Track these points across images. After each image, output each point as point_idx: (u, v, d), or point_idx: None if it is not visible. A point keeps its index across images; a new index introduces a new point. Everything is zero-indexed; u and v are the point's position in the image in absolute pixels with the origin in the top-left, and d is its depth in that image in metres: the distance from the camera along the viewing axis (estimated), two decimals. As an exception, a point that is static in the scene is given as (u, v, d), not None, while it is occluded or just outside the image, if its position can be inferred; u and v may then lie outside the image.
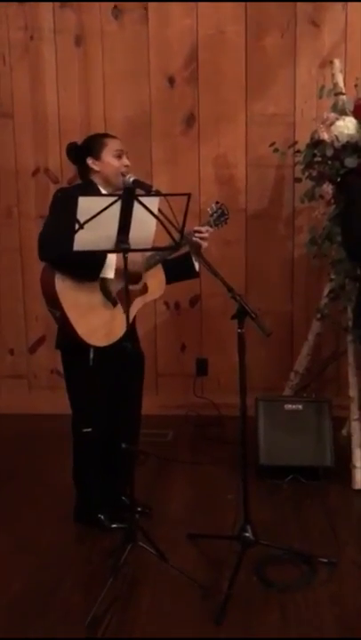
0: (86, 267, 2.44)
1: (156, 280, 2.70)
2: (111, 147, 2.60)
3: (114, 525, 2.66)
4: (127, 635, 2.08)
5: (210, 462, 3.34)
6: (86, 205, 2.11)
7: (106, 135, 2.71)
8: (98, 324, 2.51)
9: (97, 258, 2.43)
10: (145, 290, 2.66)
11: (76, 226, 2.11)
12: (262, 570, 2.37)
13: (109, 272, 2.47)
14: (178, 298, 4.00)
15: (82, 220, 2.10)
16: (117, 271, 2.47)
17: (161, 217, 2.24)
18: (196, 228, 2.65)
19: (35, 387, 4.19)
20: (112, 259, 2.45)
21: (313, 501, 2.90)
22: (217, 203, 2.79)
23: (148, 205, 2.19)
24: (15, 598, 2.28)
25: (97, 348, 2.51)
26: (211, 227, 2.72)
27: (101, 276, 2.46)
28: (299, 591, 2.26)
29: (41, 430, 3.80)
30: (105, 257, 2.44)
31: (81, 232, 2.12)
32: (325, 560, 2.41)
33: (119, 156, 2.60)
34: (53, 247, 2.39)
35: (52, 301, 2.46)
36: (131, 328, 2.53)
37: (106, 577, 2.25)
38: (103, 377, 2.59)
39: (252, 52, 3.75)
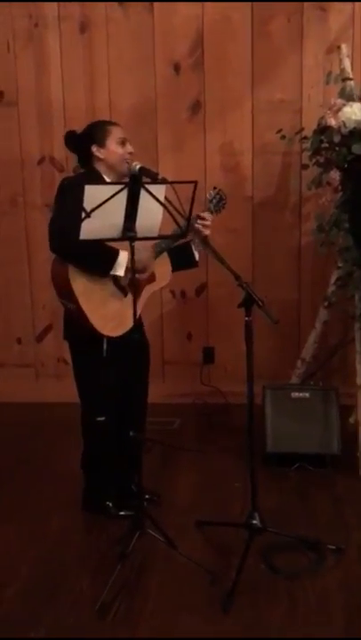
0: (98, 262, 2.44)
1: (162, 268, 2.69)
2: (115, 134, 2.59)
3: (121, 513, 2.68)
4: (136, 621, 2.09)
5: (217, 450, 3.35)
6: (93, 193, 2.10)
7: (108, 122, 2.70)
8: (111, 314, 2.51)
9: (109, 255, 2.43)
10: (152, 278, 2.66)
11: (83, 214, 2.09)
12: (270, 557, 2.38)
13: (120, 270, 2.46)
14: (184, 286, 3.99)
15: (88, 209, 2.09)
16: (127, 267, 2.47)
17: (167, 205, 2.23)
18: (201, 215, 2.63)
19: (42, 375, 4.20)
20: (124, 257, 2.45)
21: (320, 489, 2.91)
22: (214, 188, 2.77)
23: (154, 193, 2.18)
24: (25, 585, 2.30)
25: (109, 339, 2.51)
26: (211, 213, 2.70)
27: (112, 273, 2.46)
28: (307, 578, 2.27)
29: (48, 419, 3.82)
30: (117, 254, 2.44)
31: (87, 221, 2.11)
32: (333, 547, 2.42)
33: (123, 143, 2.59)
34: (65, 238, 2.37)
35: (66, 294, 2.45)
36: (138, 318, 2.54)
37: (114, 564, 2.26)
38: (114, 367, 2.59)
39: (258, 37, 3.72)
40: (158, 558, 2.40)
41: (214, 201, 2.72)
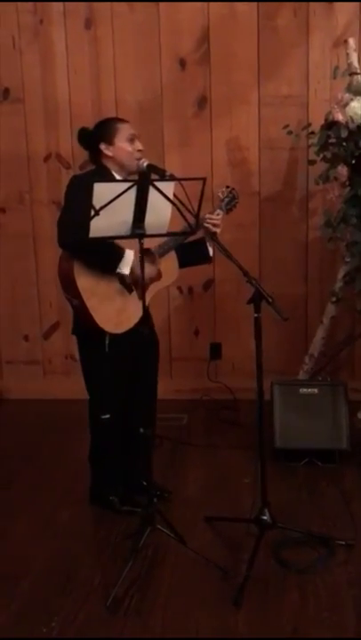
0: (104, 260, 2.45)
1: (168, 266, 2.70)
2: (124, 131, 2.59)
3: (125, 508, 2.71)
4: (147, 615, 2.10)
5: (225, 446, 3.36)
6: (102, 191, 2.10)
7: (118, 120, 2.70)
8: (114, 311, 2.52)
9: (116, 253, 2.44)
10: (159, 276, 2.66)
11: (92, 212, 2.10)
12: (280, 552, 2.39)
13: (125, 268, 2.47)
14: (191, 282, 4.00)
15: (97, 207, 2.10)
16: (132, 267, 2.48)
17: (176, 202, 2.23)
18: (209, 216, 2.64)
19: (49, 372, 4.21)
20: (129, 255, 2.46)
21: (329, 484, 2.92)
22: (227, 187, 2.78)
23: (163, 190, 2.17)
24: (38, 579, 2.32)
25: (112, 335, 2.53)
26: (222, 211, 2.71)
27: (117, 271, 2.47)
28: (317, 573, 2.28)
29: (56, 415, 3.83)
30: (123, 253, 2.45)
31: (96, 218, 2.12)
32: (343, 542, 2.43)
33: (132, 141, 2.59)
34: (73, 233, 2.38)
35: (71, 290, 2.47)
36: (146, 313, 2.54)
37: (125, 559, 2.28)
38: (119, 362, 2.61)
39: (264, 31, 3.70)
40: (169, 553, 2.41)
41: (226, 200, 2.73)
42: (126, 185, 2.13)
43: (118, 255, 2.45)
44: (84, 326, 2.54)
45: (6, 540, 2.58)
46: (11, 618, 2.13)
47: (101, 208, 2.09)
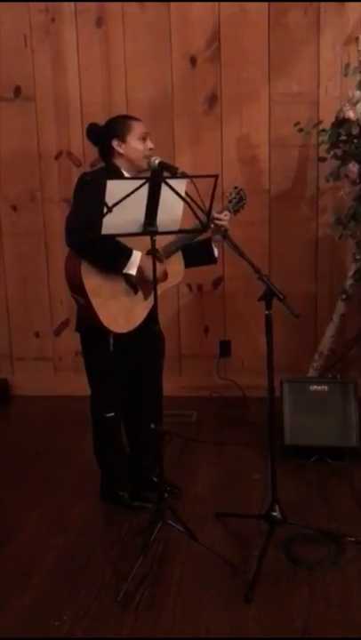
0: (112, 260, 2.46)
1: (175, 267, 2.70)
2: (136, 130, 2.59)
3: (136, 503, 2.72)
4: (158, 610, 2.12)
5: (235, 442, 3.37)
6: (114, 189, 2.11)
7: (130, 117, 2.69)
8: (119, 311, 2.53)
9: (124, 253, 2.45)
10: (165, 277, 2.67)
11: (105, 210, 2.11)
12: (290, 548, 2.40)
13: (132, 269, 2.48)
14: (201, 280, 4.01)
15: (110, 204, 2.11)
16: (139, 267, 2.49)
17: (188, 199, 2.24)
18: (216, 216, 2.63)
19: (60, 369, 4.24)
20: (137, 256, 2.47)
21: (339, 481, 2.92)
22: (235, 187, 2.77)
23: (175, 188, 2.18)
24: (49, 574, 2.34)
25: (117, 334, 2.54)
26: (230, 212, 2.71)
27: (124, 271, 2.48)
28: (327, 570, 2.29)
29: (66, 411, 3.86)
30: (131, 253, 2.46)
31: (109, 216, 2.13)
32: (353, 539, 2.43)
33: (144, 139, 2.59)
34: (81, 232, 2.39)
35: (77, 288, 2.48)
36: (155, 310, 2.55)
37: (135, 554, 2.30)
38: (123, 360, 2.62)
39: (274, 29, 3.70)
40: (180, 549, 2.43)
41: (234, 201, 2.73)
42: (139, 182, 2.14)
43: (127, 255, 2.46)
44: (89, 325, 2.55)
45: (18, 536, 2.60)
46: (23, 612, 2.15)
47: (114, 205, 2.10)
